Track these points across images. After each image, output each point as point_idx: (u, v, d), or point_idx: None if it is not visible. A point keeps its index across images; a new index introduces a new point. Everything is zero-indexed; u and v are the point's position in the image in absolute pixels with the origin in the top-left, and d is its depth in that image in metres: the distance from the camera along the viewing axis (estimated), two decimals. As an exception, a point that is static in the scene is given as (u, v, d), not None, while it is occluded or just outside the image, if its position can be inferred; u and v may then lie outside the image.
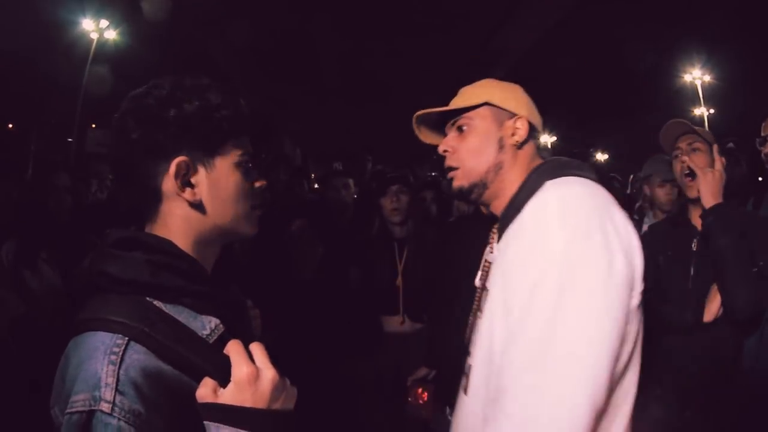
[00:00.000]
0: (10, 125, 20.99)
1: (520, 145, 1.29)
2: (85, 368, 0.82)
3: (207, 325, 0.95)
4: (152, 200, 0.99)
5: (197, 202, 0.98)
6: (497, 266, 1.22)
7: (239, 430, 0.80)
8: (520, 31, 14.48)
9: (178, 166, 0.96)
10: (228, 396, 0.83)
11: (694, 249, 2.13)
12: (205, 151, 0.99)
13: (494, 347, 1.12)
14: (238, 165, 1.02)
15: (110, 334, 0.85)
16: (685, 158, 2.14)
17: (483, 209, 2.34)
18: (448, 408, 2.32)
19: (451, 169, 1.33)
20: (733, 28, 14.69)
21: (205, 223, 1.00)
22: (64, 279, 2.47)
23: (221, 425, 0.80)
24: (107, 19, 15.45)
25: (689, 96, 18.74)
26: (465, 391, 1.24)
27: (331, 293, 2.88)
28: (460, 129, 1.32)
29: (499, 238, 1.25)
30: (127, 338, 0.84)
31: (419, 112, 1.39)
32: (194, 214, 0.99)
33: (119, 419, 0.78)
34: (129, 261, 0.93)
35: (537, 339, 0.99)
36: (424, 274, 2.83)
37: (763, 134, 2.20)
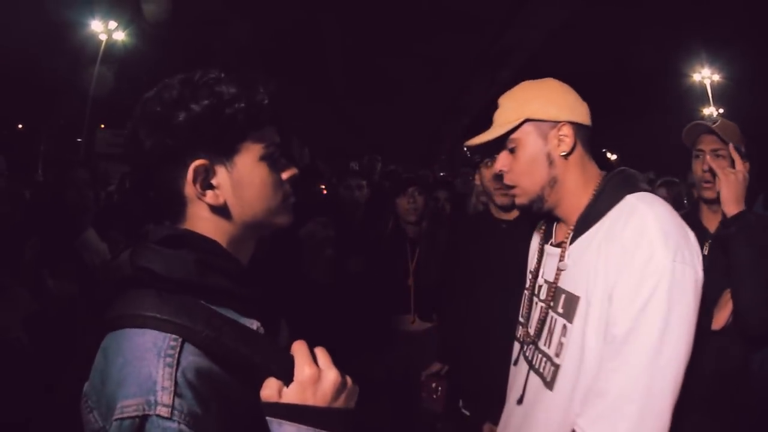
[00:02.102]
0: (20, 126, 21.15)
1: (569, 154, 1.32)
2: (135, 370, 0.78)
3: (254, 325, 0.93)
4: (177, 204, 0.95)
5: (221, 204, 0.94)
6: (581, 270, 1.27)
7: (301, 426, 0.83)
8: (528, 31, 14.45)
9: (195, 170, 0.91)
10: (291, 395, 0.85)
11: (705, 253, 2.10)
12: (223, 150, 0.93)
13: (588, 351, 1.20)
14: (263, 159, 0.96)
15: (162, 334, 0.81)
16: (708, 158, 2.08)
17: (494, 210, 2.36)
18: (461, 401, 2.33)
19: (510, 187, 1.40)
20: (742, 26, 14.60)
21: (233, 224, 0.96)
22: (81, 282, 2.47)
23: (283, 421, 0.83)
24: (116, 21, 15.54)
25: (698, 96, 18.61)
26: (548, 386, 1.30)
27: (342, 292, 2.89)
28: (512, 149, 1.36)
29: (572, 239, 1.32)
30: (181, 339, 0.81)
31: (468, 144, 1.45)
32: (220, 216, 0.95)
33: (179, 423, 0.76)
34: (176, 259, 0.89)
35: (648, 351, 1.10)
36: (437, 272, 2.84)
37: None
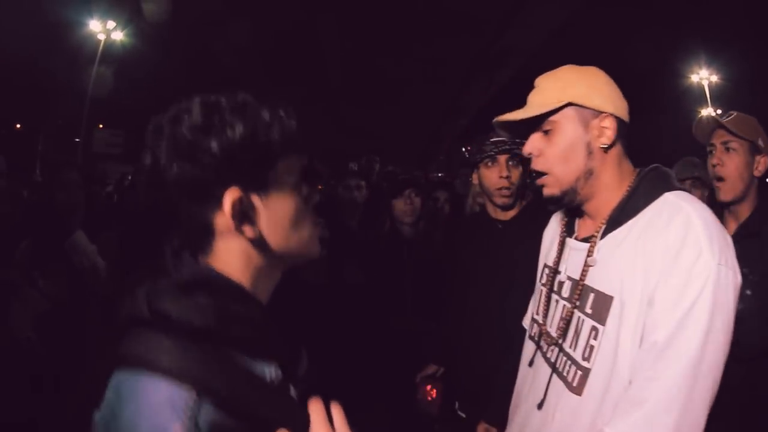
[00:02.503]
0: (18, 125, 21.13)
1: (609, 147, 1.25)
2: (148, 423, 0.74)
3: (268, 373, 0.89)
4: (205, 237, 0.88)
5: (257, 237, 0.88)
6: (614, 268, 1.20)
7: None
8: (527, 32, 14.46)
9: (233, 203, 0.83)
10: None
11: None
12: (257, 179, 0.86)
13: (622, 355, 1.14)
14: (296, 186, 0.92)
15: (179, 390, 0.77)
16: (716, 162, 2.05)
17: (491, 210, 2.35)
18: (457, 404, 2.33)
19: (540, 174, 1.30)
20: (740, 27, 14.62)
21: (267, 257, 0.91)
22: (71, 284, 2.46)
23: None
24: (114, 20, 15.54)
25: (696, 96, 18.65)
26: (574, 391, 1.22)
27: (337, 293, 2.89)
28: (546, 131, 1.28)
29: (604, 233, 1.25)
30: (196, 394, 0.77)
31: (501, 119, 1.33)
32: (255, 249, 0.89)
33: None
34: (196, 307, 0.84)
35: (690, 358, 1.05)
36: (434, 273, 2.84)
37: None
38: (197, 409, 0.76)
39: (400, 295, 3.00)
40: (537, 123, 1.29)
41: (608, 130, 1.24)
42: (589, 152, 1.25)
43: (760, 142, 2.01)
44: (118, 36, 15.89)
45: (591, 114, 1.25)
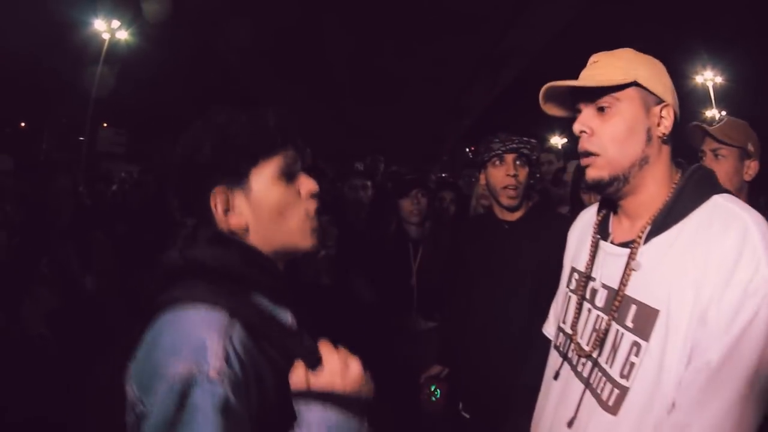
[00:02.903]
0: (23, 124, 21.19)
1: (666, 139, 1.17)
2: (188, 338, 0.84)
3: (288, 318, 1.02)
4: (207, 227, 1.03)
5: (244, 227, 1.02)
6: (661, 278, 1.09)
7: (327, 409, 0.89)
8: (531, 32, 14.45)
9: (214, 198, 1.00)
10: (321, 381, 0.91)
11: None
12: (237, 175, 1.01)
13: (667, 375, 1.04)
14: (278, 178, 1.03)
15: (214, 311, 0.88)
16: (707, 159, 2.05)
17: (497, 211, 2.35)
18: (461, 404, 2.33)
19: (589, 154, 1.19)
20: (745, 28, 14.59)
21: (260, 245, 1.03)
22: (64, 289, 2.46)
23: (312, 404, 0.89)
24: (119, 20, 15.57)
25: (701, 97, 18.61)
26: (609, 411, 1.13)
27: (344, 293, 2.89)
28: (601, 108, 1.18)
29: (648, 237, 1.14)
30: (231, 315, 0.89)
31: (551, 84, 1.23)
32: (246, 239, 1.03)
33: (226, 388, 0.80)
34: (225, 254, 0.98)
35: (744, 382, 0.97)
36: (439, 273, 2.85)
37: None
38: (231, 327, 0.87)
39: (406, 295, 3.01)
40: (589, 98, 1.19)
41: (667, 120, 1.16)
42: (649, 138, 1.15)
43: (750, 147, 2.02)
44: (123, 35, 15.91)
45: (654, 100, 1.16)
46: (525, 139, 2.23)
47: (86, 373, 1.92)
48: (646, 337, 1.08)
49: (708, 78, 18.60)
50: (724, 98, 18.41)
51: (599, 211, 1.35)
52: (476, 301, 2.29)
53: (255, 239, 1.02)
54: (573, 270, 1.39)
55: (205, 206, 1.01)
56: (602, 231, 1.31)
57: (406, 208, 3.06)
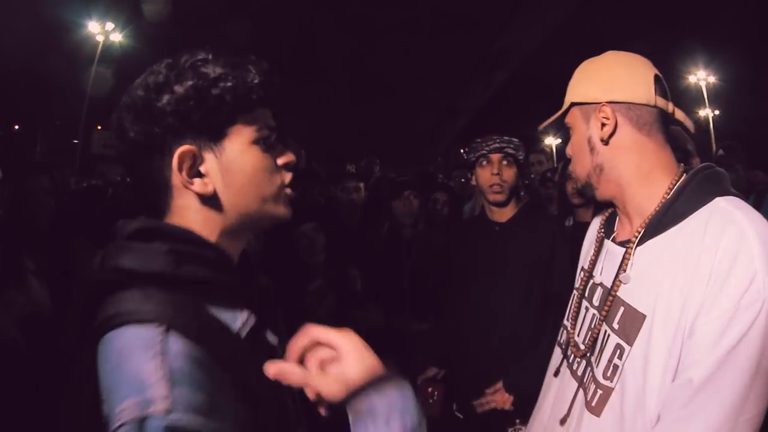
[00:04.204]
0: (16, 126, 21.10)
1: (608, 138, 1.16)
2: (122, 371, 0.72)
3: (238, 319, 0.88)
4: (165, 195, 0.90)
5: (210, 193, 0.88)
6: (651, 282, 1.06)
7: (392, 398, 0.76)
8: (524, 32, 14.49)
9: (180, 157, 0.85)
10: (360, 372, 0.77)
11: None
12: (210, 134, 0.87)
13: (650, 385, 1.00)
14: (255, 142, 0.90)
15: (143, 326, 0.75)
16: None
17: (488, 212, 2.36)
18: (455, 405, 2.34)
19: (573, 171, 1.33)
20: (739, 28, 14.65)
21: (226, 215, 0.90)
22: (52, 291, 2.43)
23: (375, 404, 0.75)
24: (113, 22, 15.54)
25: (694, 97, 18.68)
26: (593, 411, 1.11)
27: (338, 295, 2.90)
28: (570, 133, 1.28)
29: (643, 239, 1.11)
30: (164, 326, 0.75)
31: (541, 127, 1.42)
32: (211, 207, 0.90)
33: (183, 413, 0.68)
34: (149, 253, 0.83)
35: (732, 401, 0.91)
36: (433, 275, 2.85)
37: None
38: (167, 343, 0.73)
39: (399, 296, 3.01)
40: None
41: (609, 119, 1.14)
42: (592, 148, 1.18)
43: (689, 147, 2.03)
44: (117, 37, 15.90)
45: (591, 108, 1.18)
46: (507, 138, 2.26)
47: (58, 383, 1.89)
48: (630, 341, 1.05)
49: (701, 77, 18.67)
50: (717, 98, 18.49)
51: (609, 209, 1.33)
52: (469, 302, 2.30)
53: (219, 209, 0.89)
54: (581, 268, 1.39)
55: (161, 168, 0.87)
56: (608, 229, 1.29)
57: (398, 209, 3.06)
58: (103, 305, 0.80)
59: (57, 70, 15.30)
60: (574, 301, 1.33)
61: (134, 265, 0.81)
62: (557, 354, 1.37)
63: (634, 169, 1.15)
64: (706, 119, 18.45)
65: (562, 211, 3.25)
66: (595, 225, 1.39)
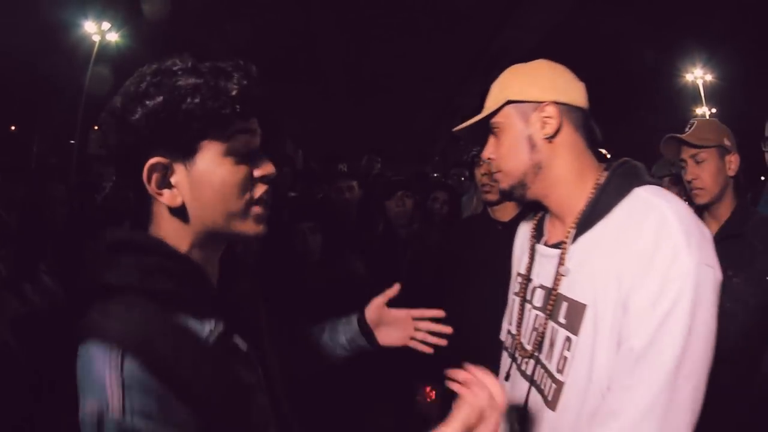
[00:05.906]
0: (12, 127, 21.01)
1: (553, 136, 1.21)
2: (88, 378, 0.80)
3: (206, 325, 0.91)
4: (144, 202, 0.93)
5: (178, 205, 0.90)
6: (587, 274, 1.13)
7: None
8: (521, 32, 14.48)
9: (149, 169, 0.88)
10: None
11: None
12: (181, 147, 0.88)
13: (598, 366, 1.07)
14: (228, 155, 0.90)
15: (108, 351, 0.80)
16: (690, 177, 2.07)
17: (491, 211, 2.36)
18: (453, 404, 2.33)
19: (495, 172, 1.31)
20: (735, 26, 14.66)
21: (192, 228, 0.92)
22: (65, 290, 2.44)
23: None
24: (109, 22, 15.49)
25: (691, 95, 18.68)
26: (549, 406, 1.16)
27: (336, 294, 2.88)
28: (494, 134, 1.29)
29: (575, 237, 1.18)
30: (121, 353, 0.80)
31: (455, 130, 1.37)
32: (179, 218, 0.92)
33: (135, 422, 0.77)
34: (122, 266, 0.88)
35: (669, 365, 0.98)
36: (431, 274, 2.85)
37: (766, 134, 2.18)
38: (122, 356, 0.80)
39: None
40: (489, 128, 1.30)
41: (551, 118, 1.20)
42: (533, 145, 1.22)
43: (726, 142, 2.04)
44: (113, 37, 15.84)
45: (530, 107, 1.22)
46: None
47: (51, 386, 1.88)
48: (575, 331, 1.12)
49: (698, 76, 18.66)
50: (714, 96, 18.49)
51: (536, 215, 1.40)
52: (470, 302, 2.30)
53: (186, 221, 0.91)
54: (518, 274, 1.45)
55: (138, 176, 0.89)
56: (538, 233, 1.37)
57: (392, 209, 3.05)
58: (86, 313, 0.87)
59: (53, 71, 15.24)
60: (516, 306, 1.39)
61: (111, 278, 0.87)
62: (504, 358, 1.43)
63: (569, 167, 1.22)
64: (703, 117, 18.44)
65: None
66: (525, 230, 1.47)
